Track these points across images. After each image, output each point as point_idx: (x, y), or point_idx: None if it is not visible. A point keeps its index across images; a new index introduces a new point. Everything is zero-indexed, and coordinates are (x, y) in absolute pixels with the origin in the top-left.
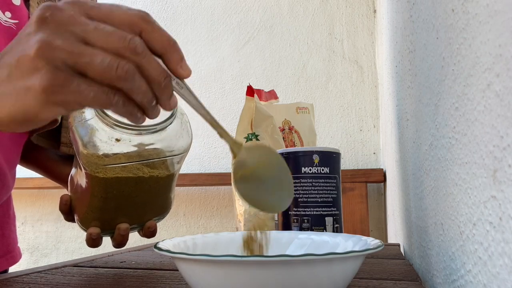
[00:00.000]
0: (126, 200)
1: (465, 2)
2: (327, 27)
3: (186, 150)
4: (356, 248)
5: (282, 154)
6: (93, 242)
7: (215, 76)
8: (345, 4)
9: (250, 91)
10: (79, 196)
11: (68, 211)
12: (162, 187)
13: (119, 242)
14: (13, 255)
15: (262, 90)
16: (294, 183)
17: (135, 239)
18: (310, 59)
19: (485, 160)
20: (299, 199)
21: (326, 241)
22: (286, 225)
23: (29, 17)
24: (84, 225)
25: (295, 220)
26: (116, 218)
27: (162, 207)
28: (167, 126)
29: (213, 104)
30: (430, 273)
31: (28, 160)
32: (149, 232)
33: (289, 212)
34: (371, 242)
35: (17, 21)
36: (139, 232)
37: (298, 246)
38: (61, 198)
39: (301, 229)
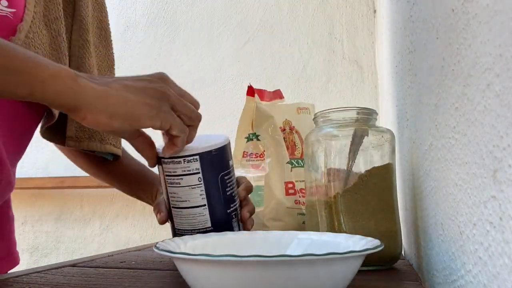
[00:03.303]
0: None
1: (465, 2)
2: (327, 27)
3: None
4: (356, 248)
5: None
6: None
7: (215, 76)
8: (345, 4)
9: (251, 91)
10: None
11: None
12: None
13: None
14: (14, 257)
15: (265, 90)
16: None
17: (134, 239)
18: (310, 59)
19: (485, 160)
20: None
21: (327, 241)
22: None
23: (25, 6)
24: None
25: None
26: None
27: None
28: None
29: (213, 104)
30: (430, 273)
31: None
32: None
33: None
34: (371, 242)
35: (14, 9)
36: None
37: (298, 246)
38: None
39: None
